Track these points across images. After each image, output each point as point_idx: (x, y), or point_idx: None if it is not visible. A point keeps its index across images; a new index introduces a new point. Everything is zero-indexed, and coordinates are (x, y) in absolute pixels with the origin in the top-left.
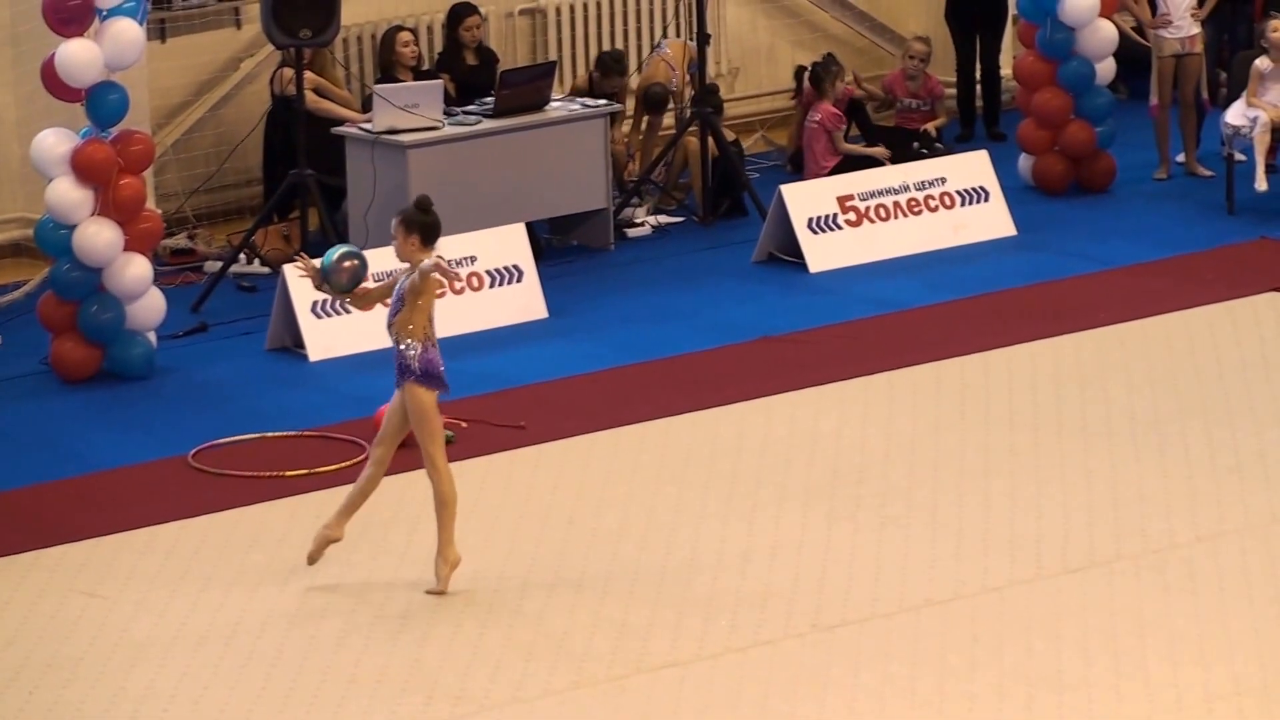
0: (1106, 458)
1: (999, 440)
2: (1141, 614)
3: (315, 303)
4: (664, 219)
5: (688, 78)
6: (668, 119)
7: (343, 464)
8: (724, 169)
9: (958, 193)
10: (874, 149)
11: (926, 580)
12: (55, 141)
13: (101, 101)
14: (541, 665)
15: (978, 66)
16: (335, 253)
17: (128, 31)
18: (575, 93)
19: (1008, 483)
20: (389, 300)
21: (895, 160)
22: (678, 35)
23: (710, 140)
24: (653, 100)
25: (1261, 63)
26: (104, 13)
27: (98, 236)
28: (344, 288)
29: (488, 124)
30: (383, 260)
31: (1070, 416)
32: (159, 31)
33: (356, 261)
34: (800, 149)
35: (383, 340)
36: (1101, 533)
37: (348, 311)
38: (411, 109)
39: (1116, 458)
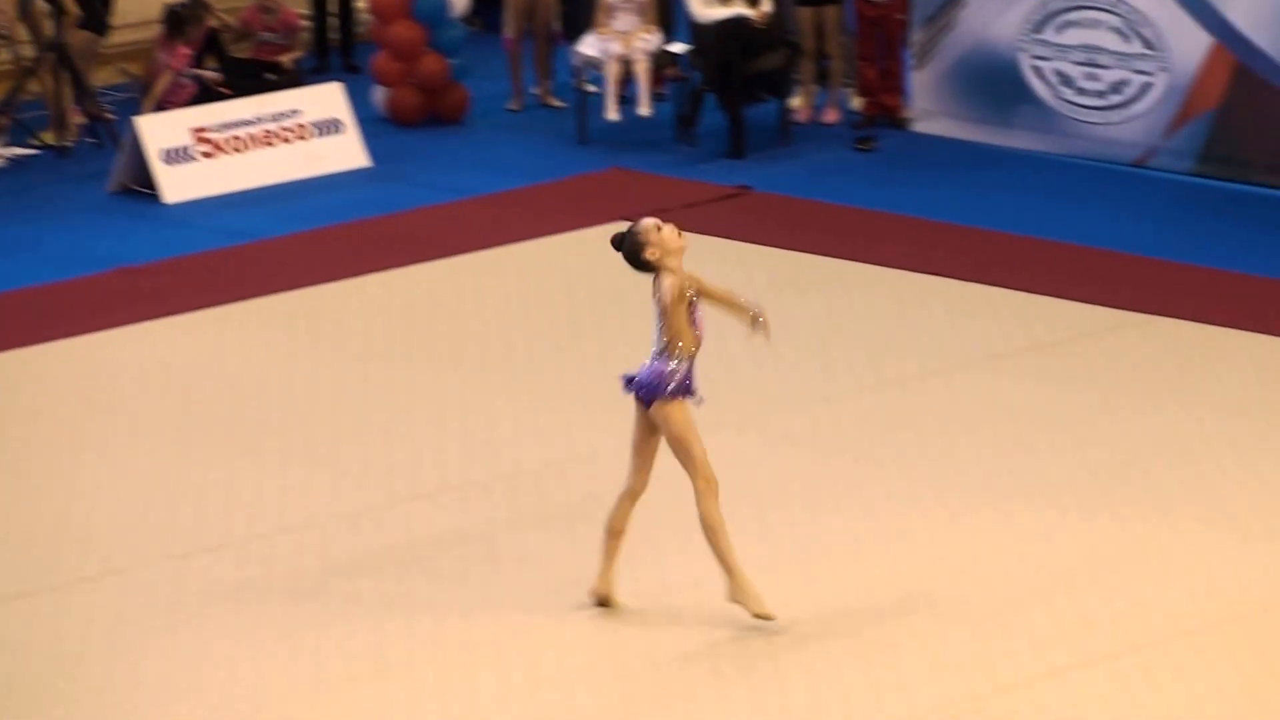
0: (456, 385)
1: (351, 370)
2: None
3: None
4: (19, 151)
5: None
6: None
7: None
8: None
9: (313, 124)
10: (206, 73)
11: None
12: None
13: None
14: None
15: None
16: None
17: None
18: None
19: (362, 413)
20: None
21: (250, 92)
22: None
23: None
24: None
25: None
26: None
27: None
28: None
29: None
30: None
31: (423, 344)
32: None
33: None
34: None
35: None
36: (454, 459)
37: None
38: None
39: (472, 386)
